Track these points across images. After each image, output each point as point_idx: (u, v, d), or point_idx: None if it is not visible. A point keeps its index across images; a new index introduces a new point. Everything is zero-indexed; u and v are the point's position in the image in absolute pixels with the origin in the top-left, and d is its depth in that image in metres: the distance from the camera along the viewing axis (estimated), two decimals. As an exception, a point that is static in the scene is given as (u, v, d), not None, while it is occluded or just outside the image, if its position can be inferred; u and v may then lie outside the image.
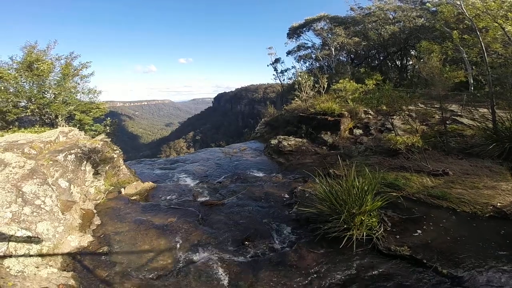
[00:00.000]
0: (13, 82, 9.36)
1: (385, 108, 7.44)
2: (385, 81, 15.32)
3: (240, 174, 8.08)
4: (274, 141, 10.64)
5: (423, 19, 21.24)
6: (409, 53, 22.64)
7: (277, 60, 33.52)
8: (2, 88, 9.28)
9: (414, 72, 20.63)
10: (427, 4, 17.23)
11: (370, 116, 11.64)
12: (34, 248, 3.23)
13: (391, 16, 23.19)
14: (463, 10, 7.90)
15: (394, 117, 8.04)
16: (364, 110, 11.80)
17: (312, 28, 27.15)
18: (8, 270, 2.85)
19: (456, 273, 2.88)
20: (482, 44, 7.85)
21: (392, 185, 5.06)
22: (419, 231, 3.76)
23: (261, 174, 8.07)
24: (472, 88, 14.28)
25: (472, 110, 10.08)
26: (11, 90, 9.47)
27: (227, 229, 4.38)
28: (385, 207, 4.00)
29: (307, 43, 30.02)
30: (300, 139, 10.80)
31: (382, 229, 3.72)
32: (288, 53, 31.98)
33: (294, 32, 28.98)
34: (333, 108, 11.54)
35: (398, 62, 24.77)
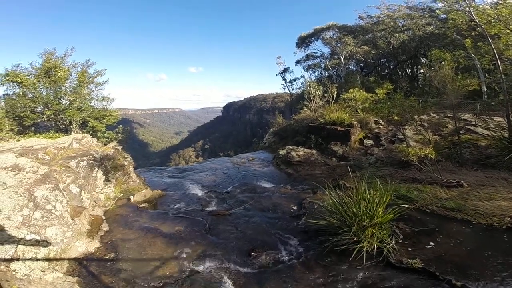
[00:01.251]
0: (31, 87, 9.70)
1: (396, 118, 7.29)
2: (396, 90, 15.10)
3: (248, 184, 8.02)
4: (282, 152, 10.55)
5: (432, 26, 21.00)
6: (420, 62, 22.36)
7: (286, 70, 33.67)
8: (21, 93, 9.63)
9: (425, 80, 20.31)
10: (437, 11, 17.08)
11: (380, 126, 11.46)
12: (42, 252, 3.26)
13: (400, 24, 23.04)
14: (473, 17, 7.80)
15: (406, 127, 7.86)
16: (374, 120, 11.63)
17: (321, 37, 27.26)
18: (14, 273, 2.88)
19: (472, 286, 2.74)
20: (495, 51, 7.69)
21: (404, 197, 4.92)
22: (432, 243, 3.62)
23: (269, 185, 7.98)
24: (486, 97, 13.86)
25: (486, 119, 9.78)
26: (29, 96, 9.81)
27: (234, 240, 4.34)
28: (396, 219, 3.88)
29: (316, 53, 30.11)
30: (309, 150, 10.66)
31: (393, 242, 3.59)
32: (297, 62, 32.09)
33: (303, 42, 29.14)
34: (343, 118, 11.40)
35: (408, 71, 24.46)
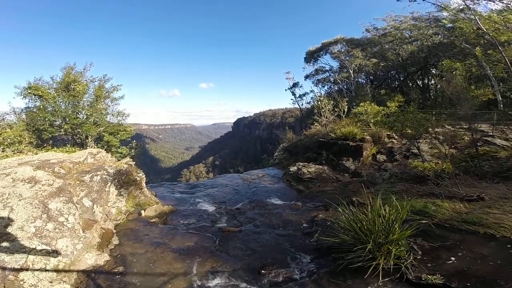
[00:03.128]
0: (51, 101, 10.07)
1: (410, 131, 7.11)
2: (408, 102, 14.86)
3: (258, 201, 7.95)
4: (293, 168, 10.43)
5: (440, 36, 20.97)
6: (430, 72, 22.13)
7: (295, 85, 33.95)
8: (42, 106, 10.01)
9: (437, 91, 19.93)
10: (443, 20, 17.04)
11: (394, 140, 11.22)
12: (51, 263, 3.27)
13: (407, 35, 23.09)
14: (479, 25, 7.73)
15: (420, 141, 7.64)
16: (387, 134, 11.41)
17: (329, 51, 27.52)
18: (22, 283, 2.89)
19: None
20: (507, 59, 7.52)
21: (421, 213, 4.72)
22: (453, 258, 3.40)
23: (279, 202, 7.88)
24: (502, 106, 13.42)
25: (504, 129, 9.40)
26: (49, 109, 10.16)
27: (244, 257, 4.24)
28: (414, 235, 3.70)
29: (324, 67, 30.40)
30: (321, 166, 10.50)
31: (411, 258, 3.41)
32: (306, 77, 32.37)
33: (311, 56, 29.48)
34: (355, 133, 11.25)
35: (419, 82, 24.21)
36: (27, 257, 3.12)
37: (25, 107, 10.61)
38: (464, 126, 9.95)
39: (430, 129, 6.97)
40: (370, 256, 3.39)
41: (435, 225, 4.18)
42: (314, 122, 15.23)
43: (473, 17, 7.67)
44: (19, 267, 3.00)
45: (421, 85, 23.68)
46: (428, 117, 7.19)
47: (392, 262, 3.33)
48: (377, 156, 10.53)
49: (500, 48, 7.47)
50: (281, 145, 17.58)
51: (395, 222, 3.56)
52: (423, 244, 3.79)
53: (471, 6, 8.53)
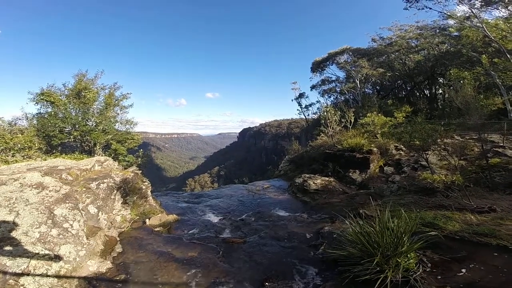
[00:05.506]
0: (62, 108, 10.21)
1: (418, 143, 6.99)
2: (415, 112, 14.66)
3: (263, 212, 7.87)
4: (299, 180, 10.32)
5: (446, 44, 20.79)
6: (438, 82, 21.86)
7: (301, 95, 33.97)
8: (53, 113, 10.15)
9: (445, 101, 19.60)
10: (450, 29, 16.96)
11: (401, 152, 11.05)
12: (53, 269, 3.25)
13: (413, 44, 23.00)
14: (486, 33, 7.68)
15: (428, 152, 7.50)
16: (395, 146, 11.26)
17: (335, 61, 27.53)
18: (22, 287, 2.87)
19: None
20: None
21: (431, 225, 4.58)
22: (463, 270, 3.26)
23: (284, 213, 7.77)
24: (511, 115, 13.13)
25: (515, 139, 9.14)
26: (60, 116, 10.28)
27: (248, 268, 4.14)
28: (423, 247, 3.58)
29: (331, 77, 30.42)
30: (327, 178, 10.36)
31: (420, 270, 3.29)
32: (312, 87, 32.39)
33: (318, 66, 29.53)
34: (362, 144, 11.11)
35: (426, 92, 23.90)
36: (29, 262, 3.11)
37: (37, 113, 10.77)
38: (474, 137, 9.73)
39: (439, 140, 6.84)
40: (378, 268, 3.28)
41: (445, 237, 4.04)
42: (321, 133, 15.13)
43: (479, 25, 7.64)
44: (20, 271, 2.99)
45: (428, 95, 23.39)
46: (436, 128, 7.05)
47: (400, 274, 3.22)
48: (385, 168, 10.36)
49: (508, 55, 7.37)
50: (286, 156, 17.47)
51: (404, 235, 3.46)
52: (433, 257, 3.67)
53: (477, 13, 8.49)
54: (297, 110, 34.77)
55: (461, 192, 5.74)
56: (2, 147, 8.05)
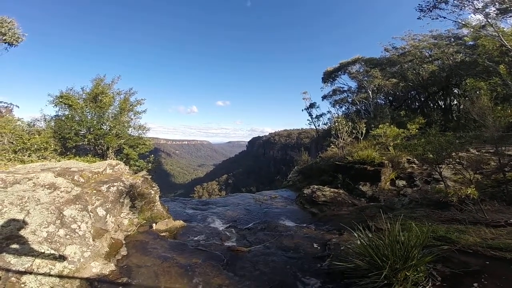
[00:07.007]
0: (79, 111, 10.53)
1: (431, 156, 6.77)
2: (429, 124, 14.23)
3: (270, 222, 7.78)
4: (307, 191, 10.18)
5: (461, 54, 20.18)
6: (453, 92, 21.18)
7: (312, 105, 33.68)
8: (70, 116, 10.48)
9: (460, 112, 18.92)
10: (465, 38, 16.54)
11: (414, 165, 10.74)
12: (56, 269, 3.27)
13: (427, 54, 22.48)
14: (503, 41, 7.44)
15: (442, 166, 7.25)
16: (407, 159, 10.97)
17: (347, 71, 27.17)
18: (23, 285, 2.91)
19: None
20: None
21: (443, 238, 4.39)
22: (475, 284, 3.09)
23: (291, 224, 7.65)
24: None
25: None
26: (76, 119, 10.58)
27: (252, 278, 4.06)
28: (434, 260, 3.44)
29: (342, 87, 29.98)
30: (336, 190, 10.16)
31: (430, 284, 3.16)
32: (324, 97, 32.04)
33: (329, 76, 29.24)
34: (373, 157, 10.88)
35: (441, 103, 23.06)
36: (33, 261, 3.15)
37: (55, 115, 11.13)
38: (490, 150, 9.36)
39: (453, 154, 6.62)
40: (386, 282, 3.17)
41: (458, 251, 3.87)
42: (331, 144, 14.95)
43: (495, 33, 7.44)
44: (23, 270, 3.03)
45: (443, 106, 22.54)
46: (452, 141, 6.82)
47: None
48: (396, 181, 10.08)
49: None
50: (295, 167, 17.31)
51: (415, 248, 3.34)
52: (444, 270, 3.50)
53: (493, 22, 8.25)
54: (308, 120, 34.53)
55: (475, 206, 5.51)
56: (20, 147, 8.35)
